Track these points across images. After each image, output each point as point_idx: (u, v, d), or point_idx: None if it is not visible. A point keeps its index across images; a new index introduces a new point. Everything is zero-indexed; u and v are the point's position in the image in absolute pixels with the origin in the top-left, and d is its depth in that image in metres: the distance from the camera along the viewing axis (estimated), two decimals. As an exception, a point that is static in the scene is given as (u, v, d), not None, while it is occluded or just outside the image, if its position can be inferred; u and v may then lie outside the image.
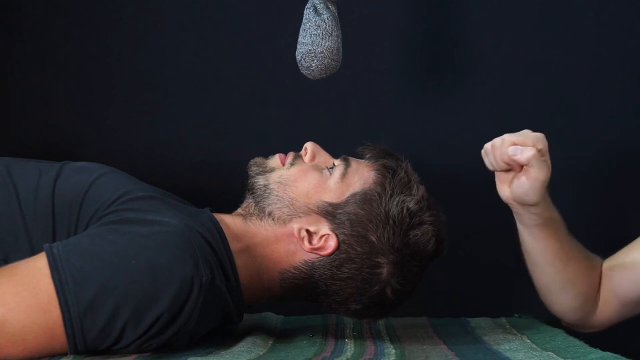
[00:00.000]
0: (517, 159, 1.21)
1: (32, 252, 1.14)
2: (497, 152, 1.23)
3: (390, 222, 1.21)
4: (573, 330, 1.39)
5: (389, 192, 1.22)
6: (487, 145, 1.25)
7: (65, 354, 1.07)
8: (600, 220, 1.83)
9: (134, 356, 1.10)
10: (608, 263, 1.36)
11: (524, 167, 1.22)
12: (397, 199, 1.22)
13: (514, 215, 1.30)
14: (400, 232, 1.21)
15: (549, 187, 1.25)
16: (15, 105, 1.83)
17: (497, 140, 1.24)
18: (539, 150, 1.21)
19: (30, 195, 1.21)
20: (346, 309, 1.26)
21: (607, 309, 1.35)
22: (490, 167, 1.27)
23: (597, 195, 1.83)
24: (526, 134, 1.22)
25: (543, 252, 1.30)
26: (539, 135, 1.23)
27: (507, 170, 1.25)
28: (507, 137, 1.22)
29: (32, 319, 1.05)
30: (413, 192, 1.24)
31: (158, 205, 1.21)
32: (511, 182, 1.25)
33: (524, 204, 1.26)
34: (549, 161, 1.22)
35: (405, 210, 1.22)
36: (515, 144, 1.21)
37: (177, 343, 1.13)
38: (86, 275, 1.06)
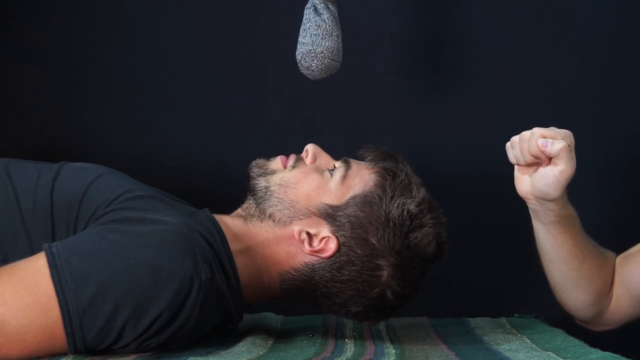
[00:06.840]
0: (547, 151, 1.20)
1: (32, 252, 1.13)
2: (525, 145, 1.23)
3: (391, 224, 1.21)
4: (586, 328, 1.39)
5: (390, 195, 1.22)
6: (515, 138, 1.25)
7: (65, 354, 1.07)
8: (610, 219, 1.83)
9: (133, 356, 1.10)
10: (620, 258, 1.37)
11: (552, 160, 1.21)
12: (398, 201, 1.22)
13: (530, 211, 1.30)
14: (401, 235, 1.21)
15: (567, 186, 1.24)
16: (15, 106, 1.82)
17: (526, 133, 1.23)
18: (568, 145, 1.21)
19: (29, 196, 1.21)
20: (346, 311, 1.26)
21: (620, 305, 1.35)
22: (513, 161, 1.26)
23: (599, 195, 1.83)
24: (555, 129, 1.23)
25: (559, 249, 1.30)
26: (568, 132, 1.23)
27: (530, 165, 1.25)
28: (537, 130, 1.22)
29: (31, 319, 1.05)
30: (414, 194, 1.23)
31: (157, 205, 1.21)
32: (533, 176, 1.24)
33: (542, 199, 1.25)
34: (575, 158, 1.22)
35: (405, 213, 1.21)
36: (544, 137, 1.21)
37: (177, 342, 1.13)
38: (85, 274, 1.06)
